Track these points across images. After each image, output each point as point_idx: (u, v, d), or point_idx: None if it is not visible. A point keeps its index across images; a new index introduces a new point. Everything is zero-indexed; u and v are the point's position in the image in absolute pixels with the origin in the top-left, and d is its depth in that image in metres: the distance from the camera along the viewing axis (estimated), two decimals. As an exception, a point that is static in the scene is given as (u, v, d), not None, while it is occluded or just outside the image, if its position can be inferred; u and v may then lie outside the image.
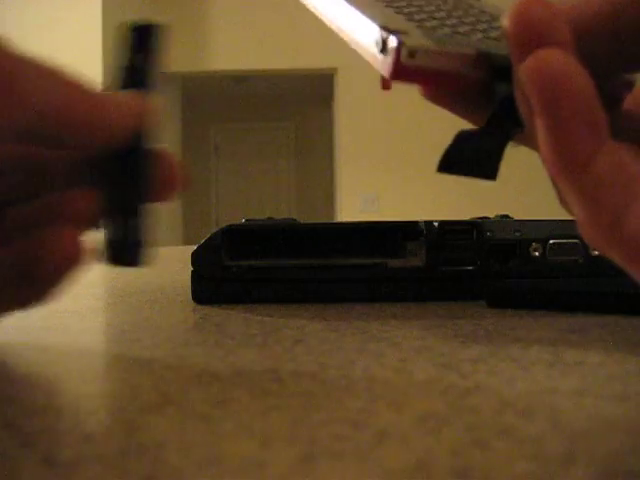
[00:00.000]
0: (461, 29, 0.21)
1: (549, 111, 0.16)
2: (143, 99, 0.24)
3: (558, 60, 0.16)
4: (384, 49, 0.20)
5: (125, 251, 0.22)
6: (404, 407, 0.18)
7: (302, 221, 0.41)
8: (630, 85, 0.19)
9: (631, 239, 0.16)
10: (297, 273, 0.38)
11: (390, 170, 3.81)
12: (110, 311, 0.38)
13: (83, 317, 0.34)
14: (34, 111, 0.21)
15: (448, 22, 0.22)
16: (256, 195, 5.80)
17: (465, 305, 0.36)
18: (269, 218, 0.41)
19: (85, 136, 0.22)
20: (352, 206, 3.89)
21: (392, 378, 0.21)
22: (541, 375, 0.21)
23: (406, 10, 0.22)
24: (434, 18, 0.22)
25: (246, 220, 0.40)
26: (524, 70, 0.16)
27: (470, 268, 0.38)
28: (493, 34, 0.21)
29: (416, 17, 0.22)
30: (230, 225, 0.38)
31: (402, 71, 0.20)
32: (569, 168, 0.16)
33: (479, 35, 0.21)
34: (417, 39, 0.20)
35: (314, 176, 5.90)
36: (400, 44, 0.19)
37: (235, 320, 0.32)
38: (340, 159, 3.92)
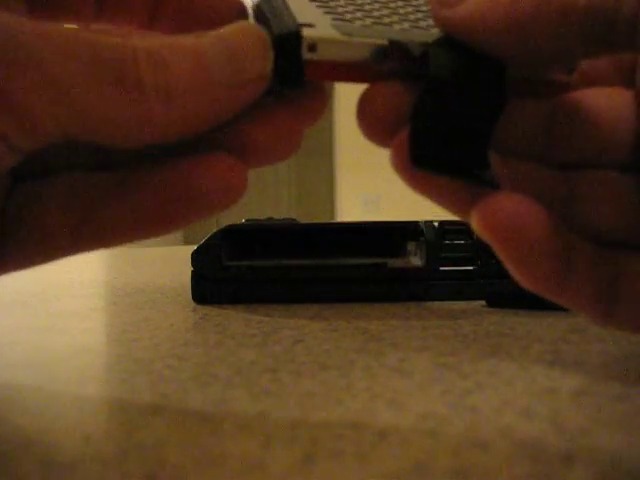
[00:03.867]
0: (387, 19, 0.20)
1: (507, 256, 0.17)
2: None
3: (507, 212, 0.17)
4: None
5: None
6: (404, 407, 0.18)
7: (302, 221, 0.41)
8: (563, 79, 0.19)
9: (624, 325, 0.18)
10: (297, 273, 0.38)
11: (391, 170, 3.81)
12: (110, 311, 0.38)
13: (83, 317, 0.34)
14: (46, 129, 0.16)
15: (376, 13, 0.20)
16: (256, 195, 5.81)
17: (465, 305, 0.36)
18: (269, 218, 0.41)
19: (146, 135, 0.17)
20: (352, 206, 3.88)
21: (392, 378, 0.21)
22: (541, 375, 0.21)
23: (333, 3, 0.21)
24: (363, 10, 0.20)
25: (246, 220, 0.40)
26: (475, 221, 0.17)
27: (470, 268, 0.38)
28: (423, 23, 0.20)
29: (340, 9, 0.20)
30: (230, 225, 0.38)
31: (306, 66, 0.18)
32: (542, 291, 0.18)
33: (406, 25, 0.20)
34: (322, 31, 0.18)
35: (314, 176, 5.90)
36: (299, 37, 0.18)
37: (235, 320, 0.32)
38: (340, 159, 3.92)
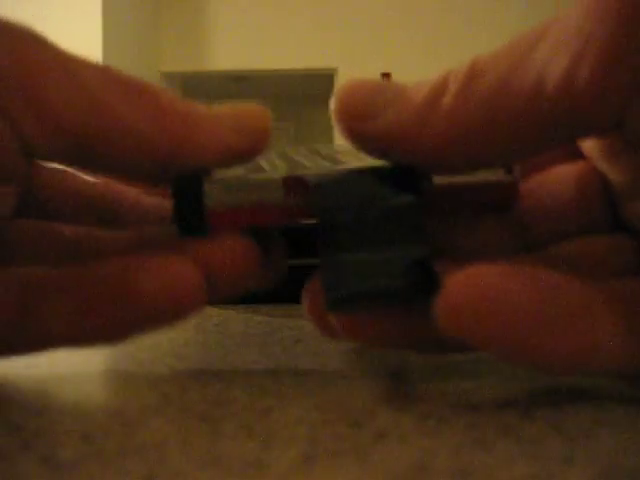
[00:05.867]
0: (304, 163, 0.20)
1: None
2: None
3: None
4: None
5: None
6: (404, 407, 0.18)
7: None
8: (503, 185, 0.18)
9: None
10: (297, 273, 0.38)
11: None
12: (110, 311, 0.38)
13: (83, 317, 0.34)
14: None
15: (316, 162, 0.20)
16: (256, 195, 5.78)
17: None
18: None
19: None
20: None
21: (392, 378, 0.21)
22: (541, 375, 0.21)
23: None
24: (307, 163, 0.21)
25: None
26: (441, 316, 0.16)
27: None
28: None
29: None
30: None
31: (215, 217, 0.18)
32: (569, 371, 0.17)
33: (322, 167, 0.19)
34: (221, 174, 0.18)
35: (314, 176, 5.87)
36: (199, 180, 0.18)
37: (235, 320, 0.32)
38: (340, 159, 3.91)
